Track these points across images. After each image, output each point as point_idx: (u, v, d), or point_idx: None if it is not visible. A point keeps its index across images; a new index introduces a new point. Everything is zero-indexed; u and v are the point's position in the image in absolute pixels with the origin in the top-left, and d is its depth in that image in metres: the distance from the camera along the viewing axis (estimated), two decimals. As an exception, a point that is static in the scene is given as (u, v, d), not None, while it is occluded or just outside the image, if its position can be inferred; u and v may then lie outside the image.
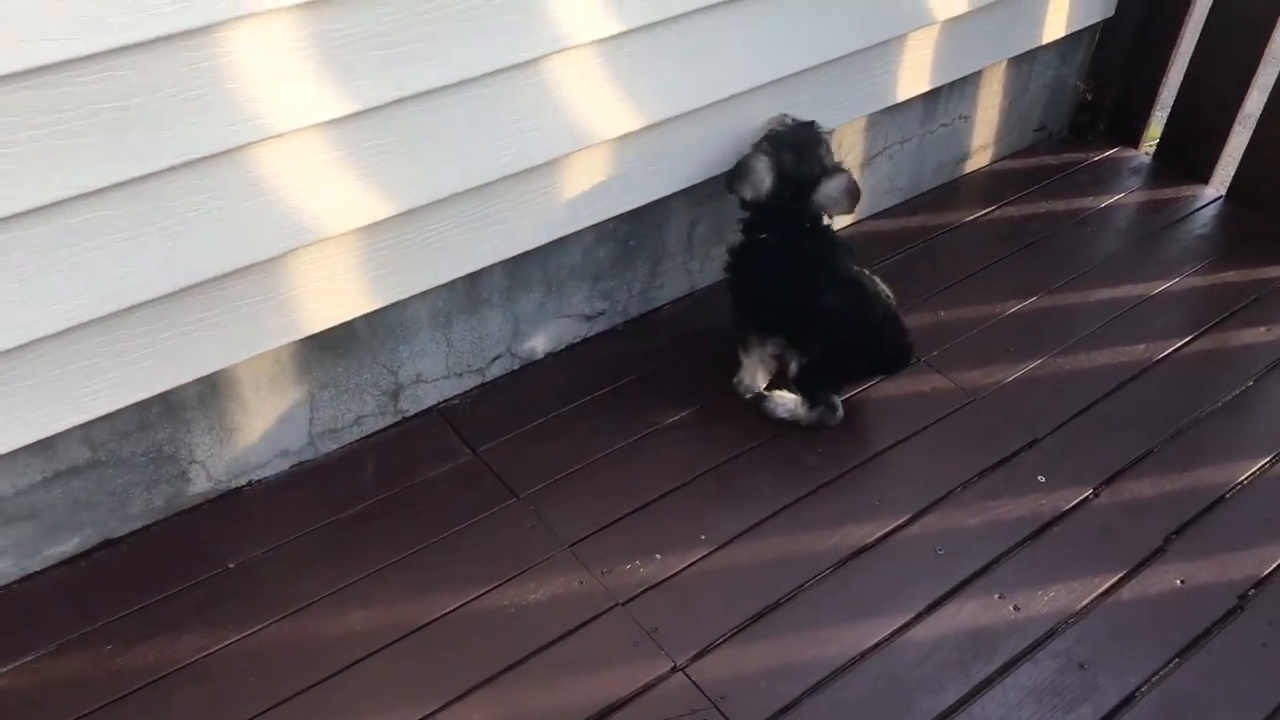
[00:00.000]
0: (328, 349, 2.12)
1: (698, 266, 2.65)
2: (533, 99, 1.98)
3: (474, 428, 2.32)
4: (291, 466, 2.22)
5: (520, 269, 2.31)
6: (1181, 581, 2.09)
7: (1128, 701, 1.89)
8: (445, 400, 2.37)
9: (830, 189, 2.22)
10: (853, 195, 2.24)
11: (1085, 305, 2.71)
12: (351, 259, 1.96)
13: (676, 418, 2.36)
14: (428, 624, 1.95)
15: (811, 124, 2.27)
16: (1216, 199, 3.08)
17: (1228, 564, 2.12)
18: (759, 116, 2.36)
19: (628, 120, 2.13)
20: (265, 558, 2.05)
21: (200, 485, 2.11)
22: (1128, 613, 2.03)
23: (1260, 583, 2.09)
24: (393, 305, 2.11)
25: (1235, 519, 2.21)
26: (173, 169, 1.63)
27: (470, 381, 2.39)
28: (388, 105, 1.79)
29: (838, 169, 2.24)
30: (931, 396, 2.45)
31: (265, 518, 2.12)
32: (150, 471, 2.03)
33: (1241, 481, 2.28)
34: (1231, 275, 2.81)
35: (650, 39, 2.06)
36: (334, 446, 2.25)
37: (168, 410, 1.98)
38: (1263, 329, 2.65)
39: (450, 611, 1.98)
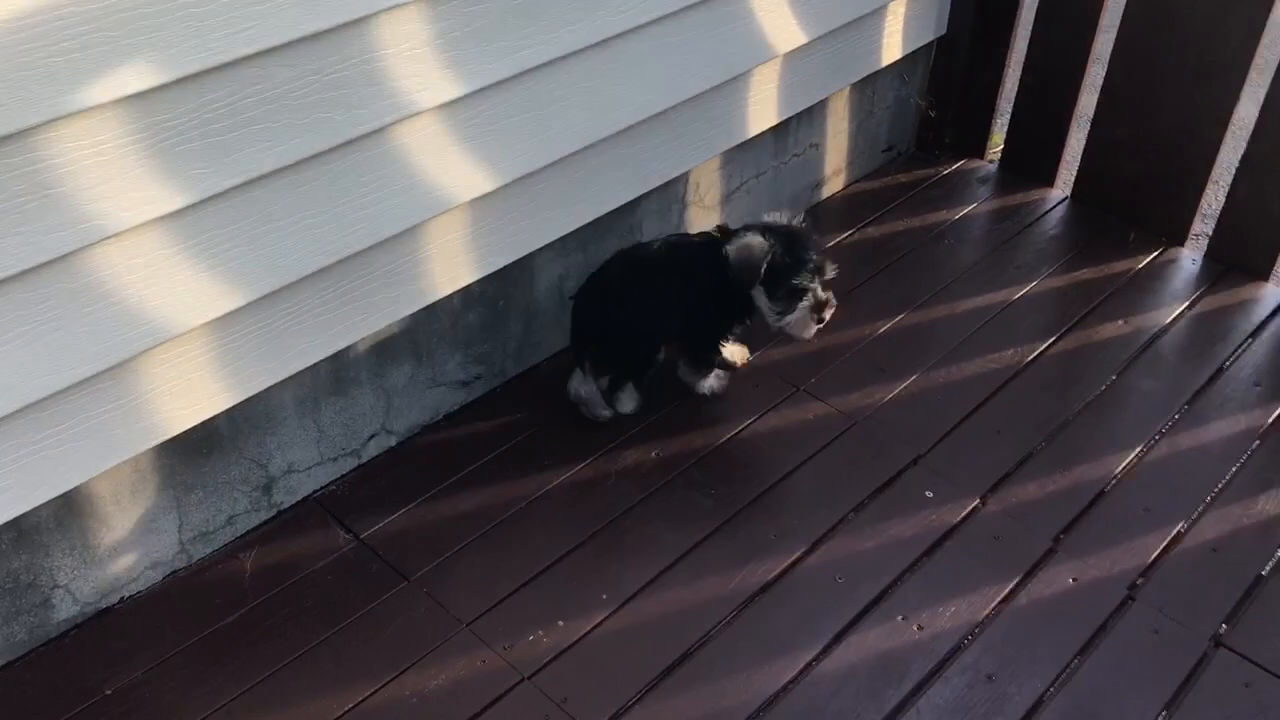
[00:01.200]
0: (190, 450, 2.02)
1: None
2: (380, 171, 1.93)
3: (355, 513, 2.23)
4: (165, 577, 2.10)
5: (386, 343, 2.25)
6: (1074, 580, 2.13)
7: (1037, 706, 1.92)
8: (322, 488, 2.28)
9: (739, 242, 2.25)
10: (743, 260, 2.23)
11: (951, 317, 2.77)
12: (205, 354, 1.87)
13: (565, 477, 2.32)
14: (327, 726, 1.87)
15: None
16: (1063, 200, 3.19)
17: (1115, 557, 2.17)
18: (613, 165, 2.35)
19: (481, 182, 2.10)
20: (145, 678, 1.93)
21: (66, 610, 1.98)
22: (1026, 618, 2.06)
23: (1146, 571, 2.14)
24: (254, 396, 2.03)
25: (1117, 512, 2.27)
26: (-2, 284, 1.54)
27: (346, 465, 2.31)
28: (226, 192, 1.72)
29: (770, 247, 2.22)
30: (814, 424, 2.46)
31: (141, 635, 2.00)
32: (8, 603, 1.89)
33: (1118, 474, 2.34)
34: (1086, 273, 2.90)
35: (495, 99, 2.03)
36: (208, 550, 2.14)
37: (20, 536, 1.86)
38: (1120, 322, 2.74)
39: (351, 708, 1.89)
